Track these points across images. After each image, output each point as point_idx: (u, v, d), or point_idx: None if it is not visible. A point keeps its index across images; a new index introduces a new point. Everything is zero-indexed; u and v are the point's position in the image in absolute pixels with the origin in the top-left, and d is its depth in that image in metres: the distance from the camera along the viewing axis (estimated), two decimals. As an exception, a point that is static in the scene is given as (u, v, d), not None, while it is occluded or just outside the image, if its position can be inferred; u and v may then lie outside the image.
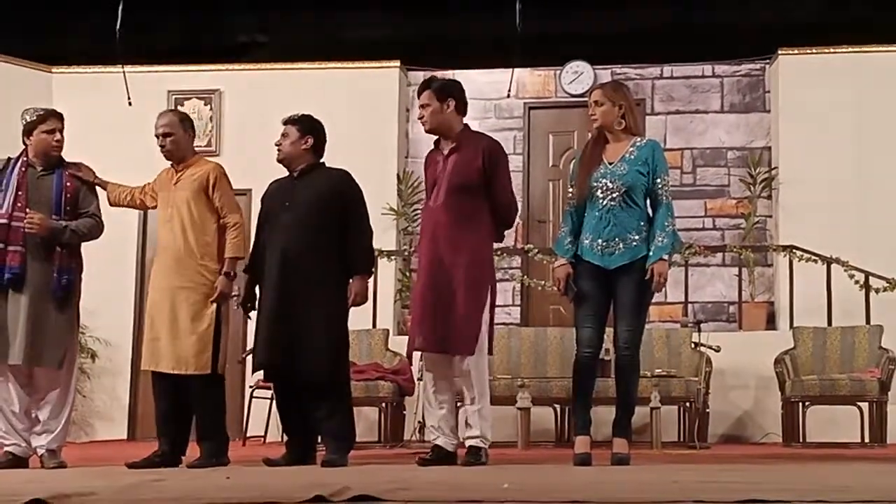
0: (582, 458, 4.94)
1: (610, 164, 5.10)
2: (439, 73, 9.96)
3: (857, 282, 8.57)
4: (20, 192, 5.30)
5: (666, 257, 5.05)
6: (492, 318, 5.25)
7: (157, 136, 5.48)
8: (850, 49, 9.49)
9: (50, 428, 5.26)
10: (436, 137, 5.39)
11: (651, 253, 5.00)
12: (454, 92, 5.33)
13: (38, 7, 9.80)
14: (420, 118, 5.35)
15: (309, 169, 5.45)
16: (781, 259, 9.04)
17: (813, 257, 8.68)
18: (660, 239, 5.01)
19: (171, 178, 5.51)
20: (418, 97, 5.35)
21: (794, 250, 8.78)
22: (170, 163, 5.57)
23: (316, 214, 5.33)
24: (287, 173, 5.55)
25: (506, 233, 5.47)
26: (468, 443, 5.17)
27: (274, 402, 5.73)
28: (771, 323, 9.23)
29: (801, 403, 7.81)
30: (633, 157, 5.10)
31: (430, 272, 5.17)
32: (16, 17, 9.80)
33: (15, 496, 3.11)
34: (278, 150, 5.44)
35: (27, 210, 5.26)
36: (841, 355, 8.10)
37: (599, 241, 5.04)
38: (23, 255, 5.24)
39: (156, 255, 5.60)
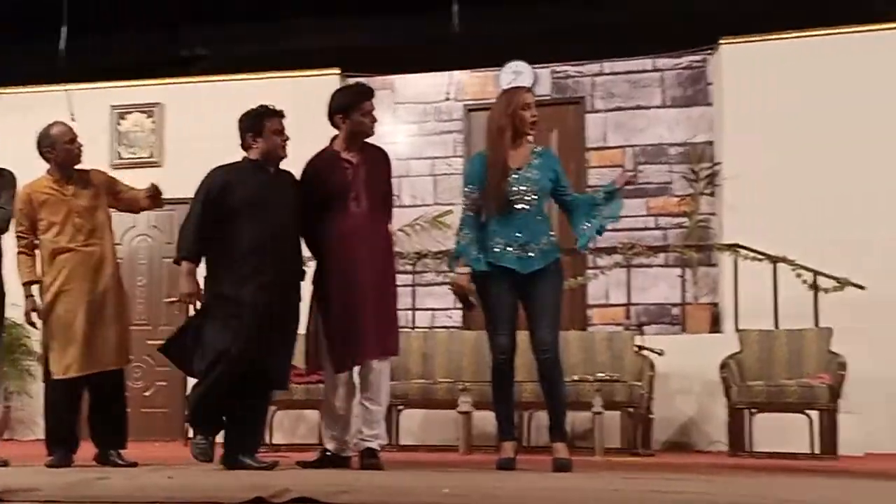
0: (504, 462, 4.59)
1: (518, 169, 4.62)
2: (378, 79, 8.79)
3: (804, 281, 7.25)
4: None
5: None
6: None
7: (75, 142, 5.04)
8: (794, 35, 8.11)
9: None
10: (336, 141, 4.83)
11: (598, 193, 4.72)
12: None
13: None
14: (374, 122, 4.83)
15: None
16: (725, 258, 7.75)
17: (758, 256, 7.36)
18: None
19: (62, 187, 5.02)
20: (370, 102, 4.82)
21: (738, 249, 7.48)
22: (60, 174, 5.05)
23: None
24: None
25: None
26: (369, 444, 4.67)
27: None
28: (716, 325, 7.97)
29: (747, 410, 6.67)
30: (538, 162, 4.68)
31: (364, 279, 4.63)
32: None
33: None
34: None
35: None
36: (788, 360, 6.86)
37: (513, 246, 4.59)
38: None
39: (69, 262, 4.94)
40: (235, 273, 4.53)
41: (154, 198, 5.14)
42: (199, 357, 4.57)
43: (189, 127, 8.89)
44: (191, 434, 4.94)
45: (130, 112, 9.16)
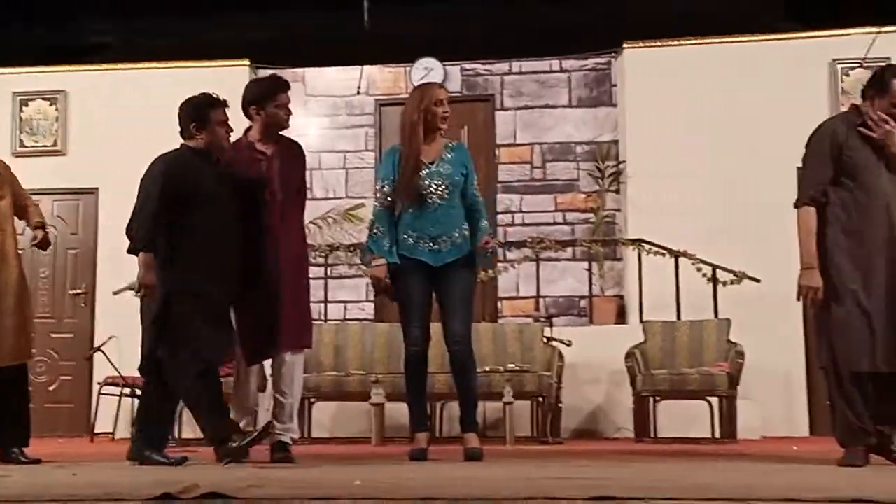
0: (417, 453, 4.54)
1: (431, 163, 4.62)
2: (289, 71, 8.62)
3: (704, 275, 7.44)
4: None
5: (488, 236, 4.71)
6: None
7: None
8: (694, 41, 8.33)
9: None
10: (250, 132, 4.64)
11: (479, 232, 4.62)
12: None
13: None
14: (289, 115, 4.65)
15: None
16: (630, 253, 7.91)
17: (661, 251, 7.52)
18: (484, 222, 4.71)
19: None
20: (286, 94, 4.64)
21: (641, 244, 7.63)
22: None
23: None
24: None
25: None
26: (281, 438, 4.51)
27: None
28: (621, 317, 8.10)
29: (651, 398, 6.79)
30: (450, 157, 4.66)
31: (278, 272, 4.50)
32: None
33: None
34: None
35: None
36: (690, 349, 7.02)
37: (426, 239, 4.58)
38: None
39: None
40: (196, 266, 4.29)
41: (40, 243, 4.92)
42: (181, 358, 4.24)
43: (94, 115, 8.60)
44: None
45: (33, 99, 8.73)
